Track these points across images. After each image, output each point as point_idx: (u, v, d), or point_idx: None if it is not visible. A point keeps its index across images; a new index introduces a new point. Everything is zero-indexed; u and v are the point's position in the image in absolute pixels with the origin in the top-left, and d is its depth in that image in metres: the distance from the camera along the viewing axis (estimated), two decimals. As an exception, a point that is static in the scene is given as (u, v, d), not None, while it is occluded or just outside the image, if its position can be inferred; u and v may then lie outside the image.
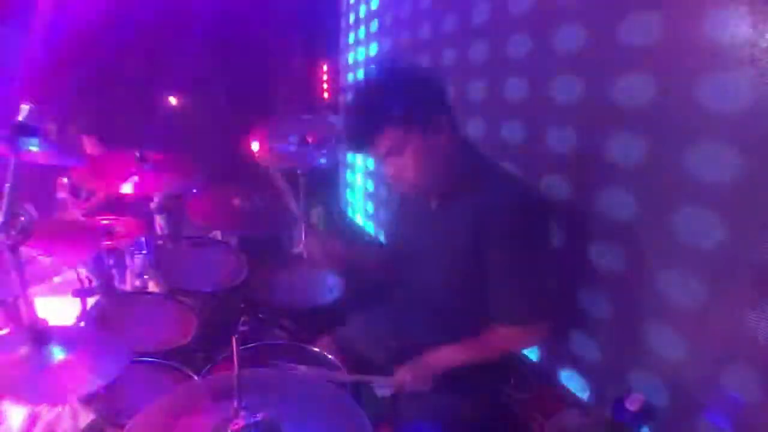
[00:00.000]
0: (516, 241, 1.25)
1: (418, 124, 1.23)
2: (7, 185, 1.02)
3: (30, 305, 1.11)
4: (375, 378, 1.39)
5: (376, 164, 1.38)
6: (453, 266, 1.34)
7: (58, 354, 1.08)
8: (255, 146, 2.21)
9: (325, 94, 4.23)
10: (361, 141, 1.30)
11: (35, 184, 2.47)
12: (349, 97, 1.33)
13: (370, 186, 3.41)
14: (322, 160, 1.83)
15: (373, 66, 1.26)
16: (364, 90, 1.35)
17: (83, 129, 3.03)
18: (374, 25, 2.73)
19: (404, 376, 1.34)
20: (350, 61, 3.14)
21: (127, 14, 3.59)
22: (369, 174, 3.43)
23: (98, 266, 2.31)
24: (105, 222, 2.44)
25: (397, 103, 1.22)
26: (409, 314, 1.50)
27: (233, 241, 2.50)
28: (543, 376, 1.65)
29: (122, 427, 1.09)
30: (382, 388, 1.36)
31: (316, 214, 3.74)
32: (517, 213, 1.25)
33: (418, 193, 1.40)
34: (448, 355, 1.33)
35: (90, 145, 3.02)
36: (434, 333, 1.38)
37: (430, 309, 1.43)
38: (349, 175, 3.94)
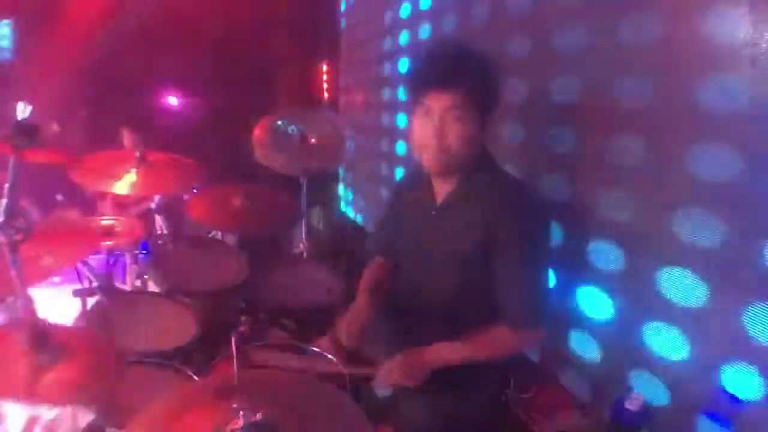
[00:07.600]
0: (527, 246, 1.27)
1: (484, 105, 1.28)
2: (7, 185, 1.02)
3: (30, 305, 1.10)
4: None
5: (418, 116, 1.34)
6: (457, 265, 1.34)
7: (58, 354, 1.08)
8: (255, 146, 2.22)
9: (325, 95, 4.24)
10: (439, 77, 1.29)
11: (35, 183, 2.48)
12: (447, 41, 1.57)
13: (370, 186, 3.41)
14: (326, 165, 1.80)
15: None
16: (462, 48, 1.33)
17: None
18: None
19: (391, 368, 1.27)
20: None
21: (128, 13, 3.60)
22: (369, 174, 3.43)
23: (98, 266, 2.31)
24: (105, 222, 2.44)
25: (486, 76, 1.28)
26: (409, 313, 1.49)
27: (233, 241, 2.50)
28: (543, 376, 1.65)
29: (122, 427, 1.10)
30: (382, 387, 1.36)
31: (316, 214, 3.74)
32: (529, 219, 1.28)
33: (435, 166, 1.34)
34: (443, 352, 1.31)
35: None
36: (434, 332, 1.37)
37: (430, 307, 1.43)
38: (348, 174, 3.94)
